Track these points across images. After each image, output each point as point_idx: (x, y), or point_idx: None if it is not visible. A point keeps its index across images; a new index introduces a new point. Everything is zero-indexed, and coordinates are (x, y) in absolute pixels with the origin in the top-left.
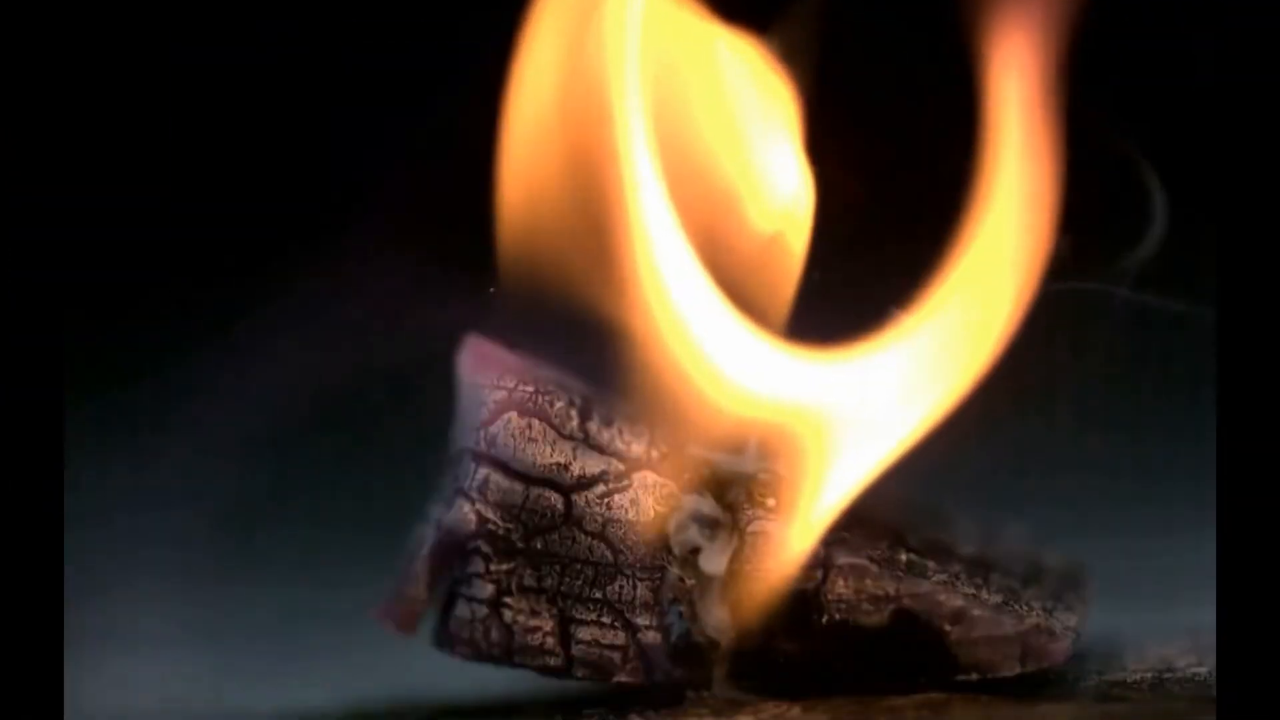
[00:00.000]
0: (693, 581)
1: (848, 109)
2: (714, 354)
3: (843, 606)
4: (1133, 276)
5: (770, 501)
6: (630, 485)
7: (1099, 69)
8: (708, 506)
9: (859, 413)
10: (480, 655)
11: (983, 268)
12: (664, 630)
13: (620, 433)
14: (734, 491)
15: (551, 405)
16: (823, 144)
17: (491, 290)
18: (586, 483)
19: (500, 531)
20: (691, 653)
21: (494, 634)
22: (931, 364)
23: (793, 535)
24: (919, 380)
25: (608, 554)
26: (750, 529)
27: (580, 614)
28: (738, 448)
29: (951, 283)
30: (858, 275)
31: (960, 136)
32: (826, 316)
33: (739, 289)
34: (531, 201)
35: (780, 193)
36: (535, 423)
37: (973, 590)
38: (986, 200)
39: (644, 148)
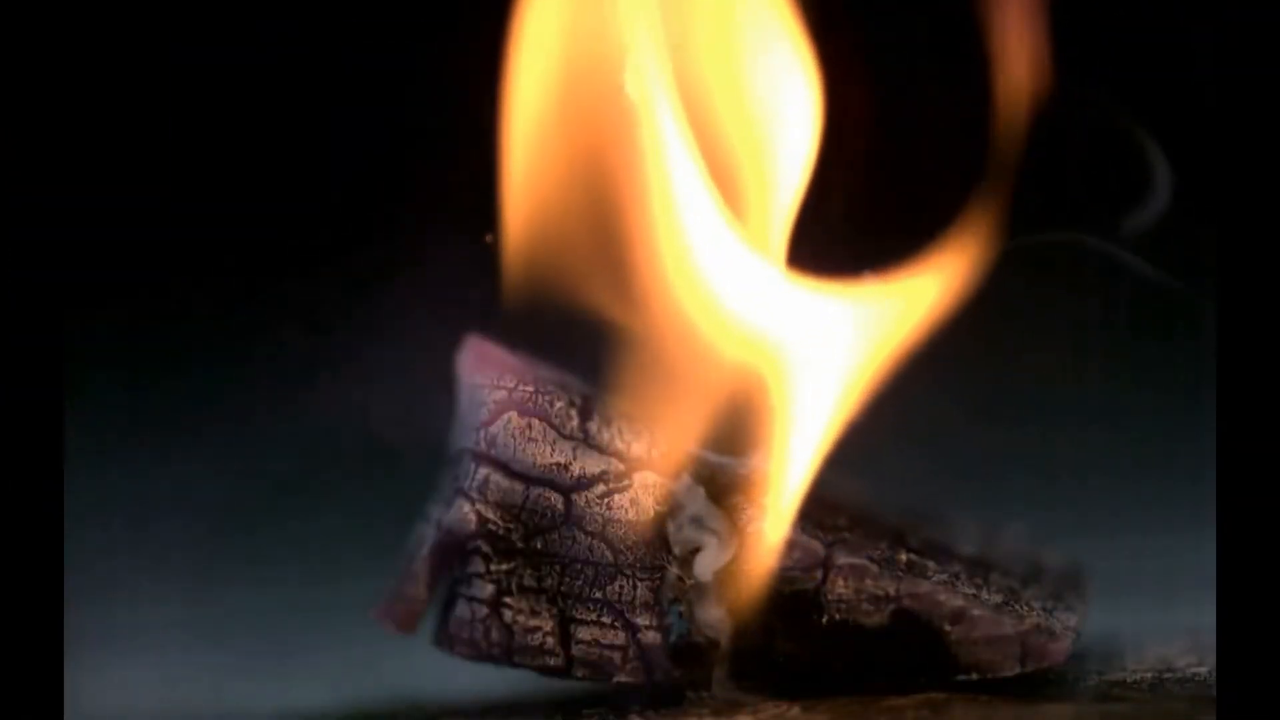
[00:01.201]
0: (693, 581)
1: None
2: (717, 279)
3: (843, 606)
4: (1132, 275)
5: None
6: (630, 485)
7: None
8: (707, 507)
9: (829, 348)
10: (480, 655)
11: (968, 238)
12: (664, 630)
13: (620, 433)
14: (733, 492)
15: (551, 405)
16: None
17: (488, 238)
18: (586, 483)
19: (500, 531)
20: (691, 653)
21: (494, 634)
22: (894, 318)
23: (773, 504)
24: (880, 331)
25: (608, 554)
26: (749, 529)
27: (580, 614)
28: (737, 448)
29: (936, 248)
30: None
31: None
32: (820, 251)
33: (737, 213)
34: (535, 190)
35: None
36: (535, 423)
37: (973, 590)
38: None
39: (661, 104)
